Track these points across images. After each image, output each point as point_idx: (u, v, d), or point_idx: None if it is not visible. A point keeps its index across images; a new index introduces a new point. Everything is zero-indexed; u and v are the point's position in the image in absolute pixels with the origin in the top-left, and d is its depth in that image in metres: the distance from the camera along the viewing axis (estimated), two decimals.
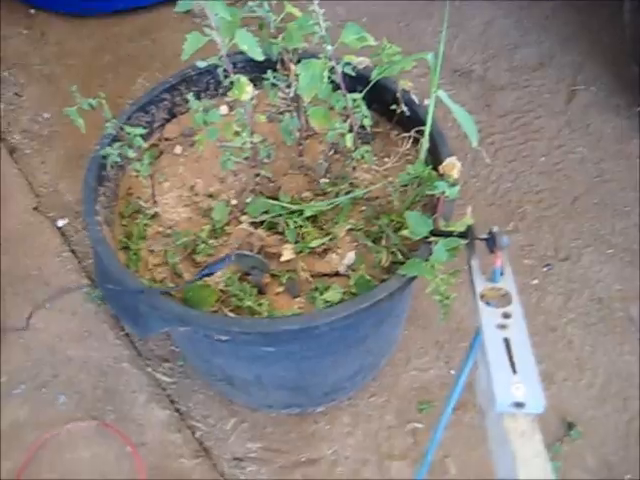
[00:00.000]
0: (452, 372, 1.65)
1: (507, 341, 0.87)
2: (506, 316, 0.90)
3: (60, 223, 1.95)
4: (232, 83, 1.17)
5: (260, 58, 1.15)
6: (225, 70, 1.20)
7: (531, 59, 2.31)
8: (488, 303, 0.93)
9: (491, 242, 1.04)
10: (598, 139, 2.12)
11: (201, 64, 1.20)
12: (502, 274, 1.00)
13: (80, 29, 2.47)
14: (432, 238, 1.17)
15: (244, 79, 1.14)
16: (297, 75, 1.22)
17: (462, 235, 1.12)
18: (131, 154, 1.28)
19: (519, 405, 0.79)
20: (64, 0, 2.47)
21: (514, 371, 0.83)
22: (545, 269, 1.84)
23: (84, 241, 1.91)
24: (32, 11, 2.54)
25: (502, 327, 0.89)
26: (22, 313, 1.75)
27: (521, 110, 2.18)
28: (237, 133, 1.24)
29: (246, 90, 1.13)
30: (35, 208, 1.98)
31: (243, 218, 1.35)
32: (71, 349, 1.71)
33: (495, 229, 1.07)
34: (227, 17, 1.11)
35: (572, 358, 1.68)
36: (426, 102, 1.33)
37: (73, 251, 1.89)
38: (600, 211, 1.96)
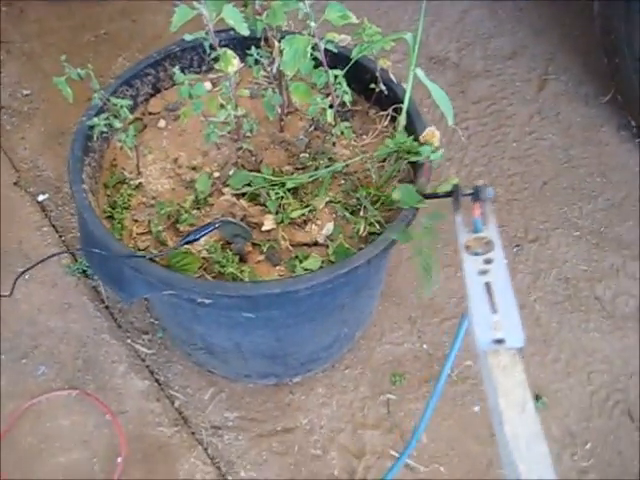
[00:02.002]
0: (425, 346, 1.71)
1: (488, 285, 0.91)
2: (488, 262, 0.94)
3: (40, 198, 1.97)
4: (218, 57, 1.20)
5: (246, 33, 1.19)
6: (211, 45, 1.23)
7: (505, 48, 2.38)
8: (474, 254, 0.97)
9: (476, 196, 1.08)
10: (567, 127, 2.19)
11: (188, 37, 1.23)
12: (485, 224, 1.04)
13: (60, 8, 2.48)
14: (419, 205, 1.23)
15: (230, 52, 1.18)
16: (281, 51, 1.26)
17: (449, 194, 1.17)
18: (117, 125, 1.31)
19: (499, 341, 0.84)
20: None
21: (494, 311, 0.87)
22: (515, 250, 1.91)
23: (64, 215, 1.93)
24: None
25: (484, 273, 0.93)
26: (2, 285, 1.77)
27: (494, 97, 2.24)
28: (221, 106, 1.27)
29: (232, 62, 1.17)
30: (15, 183, 1.99)
31: (225, 190, 1.38)
32: (51, 320, 1.73)
33: (479, 184, 1.12)
34: None
35: (539, 334, 1.75)
36: (404, 83, 1.38)
37: (53, 225, 1.91)
38: (568, 195, 2.03)
